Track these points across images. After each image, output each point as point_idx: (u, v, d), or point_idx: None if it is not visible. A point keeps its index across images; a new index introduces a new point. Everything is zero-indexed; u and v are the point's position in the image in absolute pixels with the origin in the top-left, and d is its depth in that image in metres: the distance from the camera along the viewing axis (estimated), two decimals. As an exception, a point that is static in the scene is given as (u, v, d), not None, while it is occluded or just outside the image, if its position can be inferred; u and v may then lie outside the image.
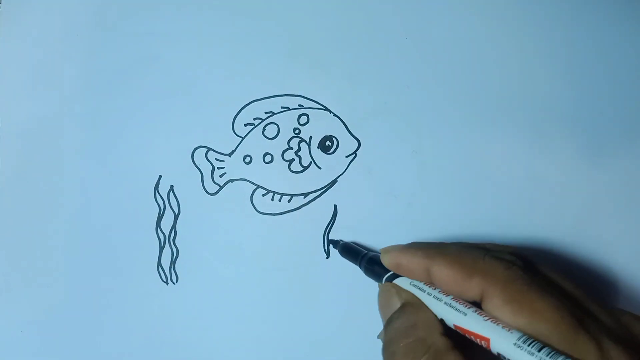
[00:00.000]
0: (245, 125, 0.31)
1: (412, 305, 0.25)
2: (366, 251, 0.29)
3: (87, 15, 0.32)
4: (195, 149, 0.31)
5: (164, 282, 0.31)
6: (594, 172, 0.31)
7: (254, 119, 0.31)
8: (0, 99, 0.32)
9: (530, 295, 0.22)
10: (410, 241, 0.31)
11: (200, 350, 0.31)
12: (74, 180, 0.31)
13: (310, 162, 0.31)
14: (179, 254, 0.31)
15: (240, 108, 0.31)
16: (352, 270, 0.31)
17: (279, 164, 0.31)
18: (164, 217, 0.31)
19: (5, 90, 0.32)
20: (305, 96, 0.31)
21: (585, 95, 0.32)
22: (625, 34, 0.32)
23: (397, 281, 0.26)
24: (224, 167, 0.31)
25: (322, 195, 0.31)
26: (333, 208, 0.31)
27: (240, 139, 0.32)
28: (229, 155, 0.32)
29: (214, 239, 0.31)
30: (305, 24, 0.32)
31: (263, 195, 0.31)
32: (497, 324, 0.21)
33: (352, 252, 0.30)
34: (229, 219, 0.31)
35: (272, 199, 0.31)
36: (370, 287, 0.31)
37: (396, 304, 0.25)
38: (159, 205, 0.31)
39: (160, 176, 0.31)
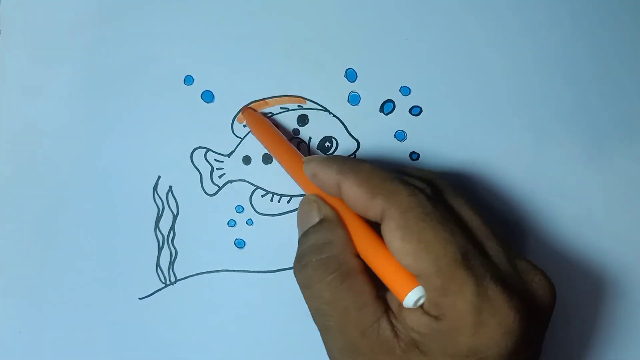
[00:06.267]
0: (244, 126, 0.31)
1: (329, 221, 0.25)
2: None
3: (86, 15, 0.31)
4: (194, 149, 0.31)
5: (163, 282, 0.31)
6: (593, 173, 0.32)
7: (253, 120, 0.31)
8: (-3, 98, 0.32)
9: (423, 224, 0.21)
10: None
11: (199, 351, 0.31)
12: (72, 180, 0.31)
13: (310, 162, 0.31)
14: (178, 254, 0.31)
15: (239, 109, 0.31)
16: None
17: (278, 165, 0.31)
18: (162, 217, 0.31)
19: (5, 90, 0.31)
20: (305, 97, 0.31)
21: (585, 96, 0.32)
22: (626, 34, 0.32)
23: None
24: (223, 168, 0.31)
25: (322, 196, 0.31)
26: (332, 209, 0.31)
27: (240, 139, 0.31)
28: (228, 156, 0.31)
29: (212, 239, 0.31)
30: (305, 24, 0.31)
31: (262, 196, 0.31)
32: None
33: None
34: (228, 220, 0.31)
35: (271, 200, 0.31)
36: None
37: (315, 218, 0.25)
38: (157, 205, 0.31)
39: (159, 177, 0.31)
